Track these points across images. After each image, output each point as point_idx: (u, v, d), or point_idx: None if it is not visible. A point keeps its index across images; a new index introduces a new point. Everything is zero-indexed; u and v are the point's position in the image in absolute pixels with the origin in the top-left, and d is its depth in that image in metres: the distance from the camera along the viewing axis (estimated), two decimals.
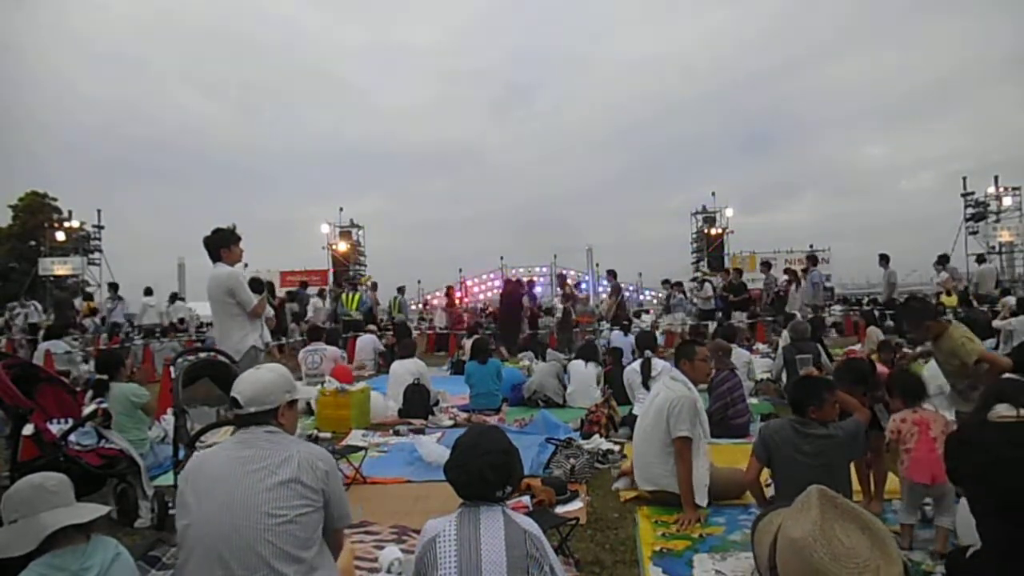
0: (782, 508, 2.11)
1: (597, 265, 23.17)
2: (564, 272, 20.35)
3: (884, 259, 13.17)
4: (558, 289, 16.62)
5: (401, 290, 15.37)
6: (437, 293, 17.46)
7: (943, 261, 13.54)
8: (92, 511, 1.97)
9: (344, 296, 13.79)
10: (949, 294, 12.41)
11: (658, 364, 6.18)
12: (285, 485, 1.93)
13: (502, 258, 23.75)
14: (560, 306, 14.15)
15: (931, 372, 5.37)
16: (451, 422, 6.76)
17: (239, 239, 5.01)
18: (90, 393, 4.86)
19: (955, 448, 2.42)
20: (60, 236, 23.73)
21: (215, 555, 1.87)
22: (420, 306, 20.85)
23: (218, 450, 2.14)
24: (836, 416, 3.23)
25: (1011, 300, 11.14)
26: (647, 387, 5.72)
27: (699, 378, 4.22)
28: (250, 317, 4.89)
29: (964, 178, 23.37)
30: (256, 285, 4.92)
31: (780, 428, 3.22)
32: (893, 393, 3.54)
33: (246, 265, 5.30)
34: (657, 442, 3.87)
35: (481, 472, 1.99)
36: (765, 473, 3.27)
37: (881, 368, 5.03)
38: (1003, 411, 2.41)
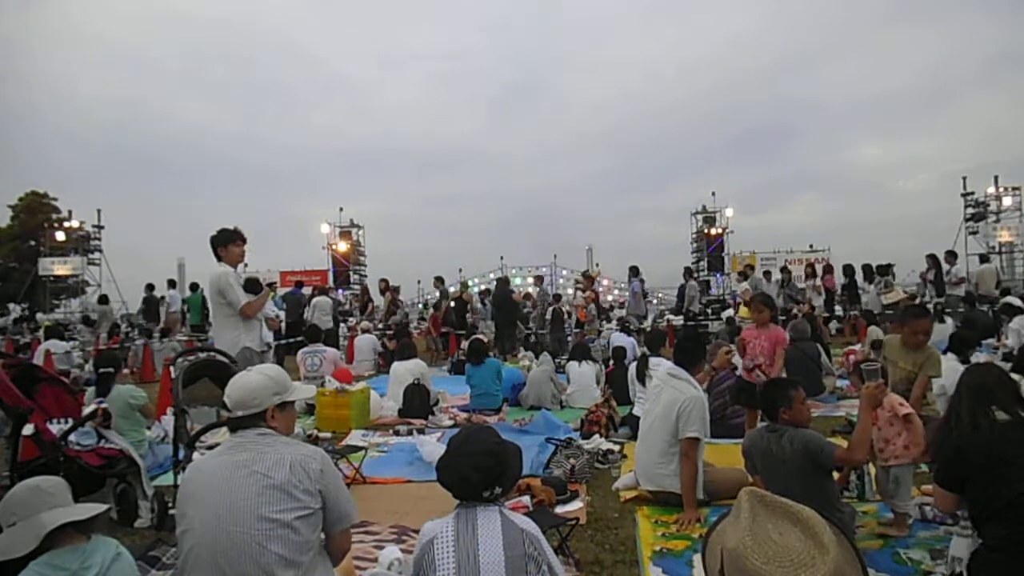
0: (728, 516, 2.08)
1: (597, 265, 23.20)
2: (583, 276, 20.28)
3: (687, 272, 13.91)
4: (577, 290, 16.63)
5: (396, 290, 15.34)
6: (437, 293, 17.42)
7: (745, 274, 14.00)
8: (91, 509, 1.97)
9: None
10: (747, 305, 12.76)
11: (663, 363, 6.17)
12: (279, 489, 1.91)
13: (502, 258, 23.74)
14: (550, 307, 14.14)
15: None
16: (451, 422, 6.77)
17: (241, 239, 5.00)
18: (91, 390, 4.86)
19: (968, 455, 2.38)
20: (60, 236, 23.71)
21: (210, 561, 1.86)
22: (421, 306, 20.85)
23: (213, 454, 2.14)
24: (808, 416, 3.23)
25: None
26: (643, 383, 5.70)
27: (701, 379, 4.23)
28: (243, 317, 4.89)
29: (964, 178, 23.37)
30: (254, 286, 4.91)
31: (757, 437, 3.23)
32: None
33: (246, 265, 5.30)
34: (661, 442, 3.87)
35: (464, 473, 1.98)
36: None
37: None
38: (1002, 417, 2.40)
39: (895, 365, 4.08)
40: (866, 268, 13.61)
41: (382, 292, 15.06)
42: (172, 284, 16.03)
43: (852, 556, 1.91)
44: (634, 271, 14.65)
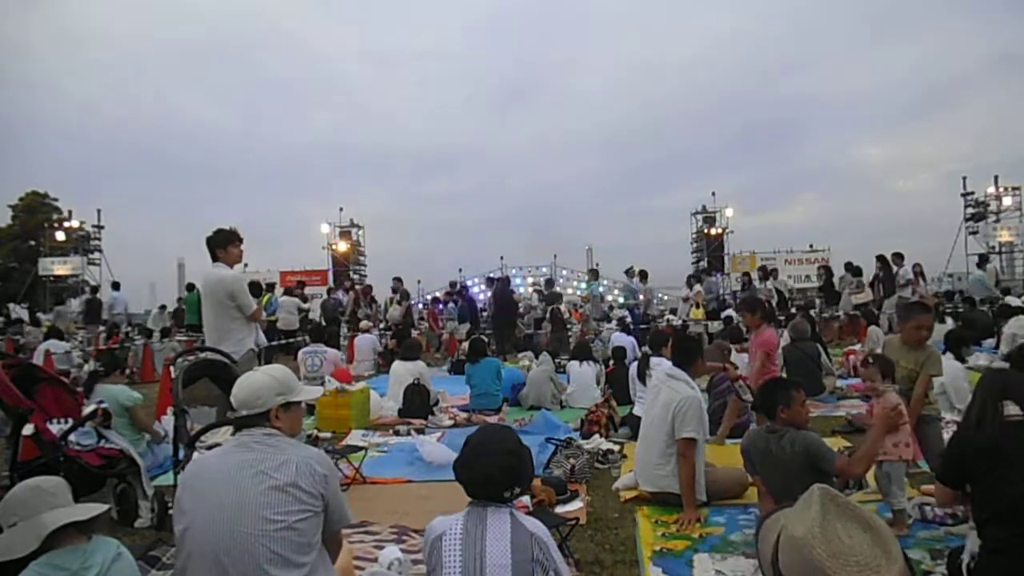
0: (787, 508, 2.09)
1: (597, 265, 23.20)
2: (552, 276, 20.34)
3: (643, 275, 14.00)
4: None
5: (367, 288, 15.37)
6: (437, 293, 17.45)
7: (699, 277, 14.61)
8: (92, 509, 1.97)
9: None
10: (698, 307, 13.44)
11: (664, 363, 6.17)
12: (283, 490, 1.91)
13: (502, 258, 23.71)
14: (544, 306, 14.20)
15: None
16: (451, 422, 6.77)
17: (239, 240, 5.00)
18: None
19: (968, 453, 2.38)
20: (60, 236, 23.70)
21: (212, 560, 1.85)
22: (421, 306, 20.88)
23: (216, 452, 2.13)
24: (807, 417, 3.23)
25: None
26: (644, 382, 5.72)
27: (698, 375, 4.28)
28: (250, 321, 4.90)
29: (964, 178, 23.40)
30: (254, 289, 4.92)
31: (756, 438, 3.22)
32: (883, 369, 3.61)
33: (246, 266, 5.32)
34: (659, 443, 3.87)
35: (487, 472, 1.98)
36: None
37: None
38: (1013, 411, 2.38)
39: (896, 365, 4.09)
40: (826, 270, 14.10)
41: (347, 291, 15.21)
42: (116, 286, 16.45)
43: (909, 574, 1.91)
44: (593, 274, 14.78)
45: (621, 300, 15.45)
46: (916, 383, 3.97)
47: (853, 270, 13.13)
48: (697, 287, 14.04)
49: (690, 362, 4.14)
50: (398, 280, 15.03)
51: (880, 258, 12.83)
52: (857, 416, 4.22)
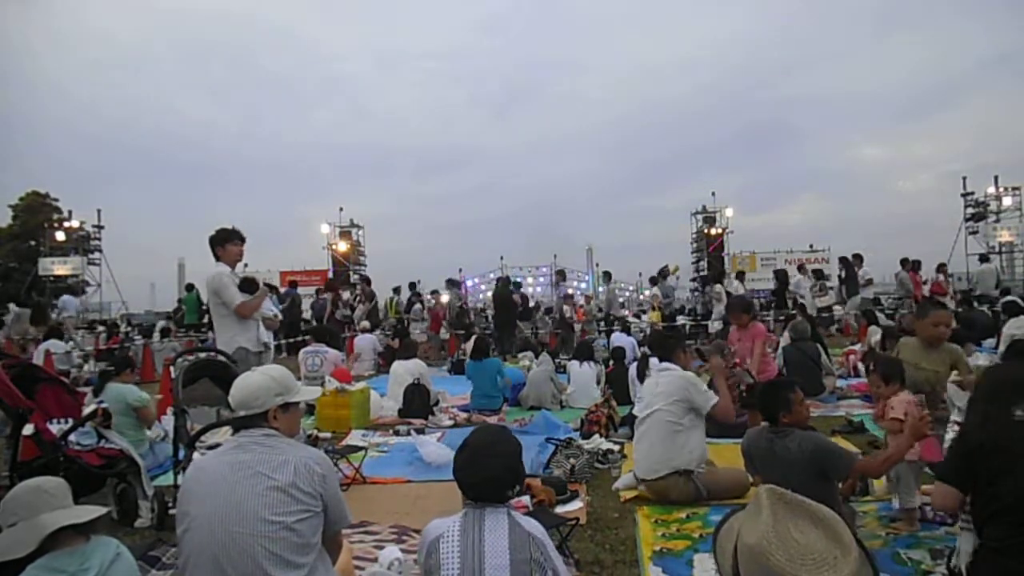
0: (739, 513, 2.08)
1: (597, 265, 23.19)
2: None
3: (607, 276, 14.21)
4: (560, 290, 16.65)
5: (397, 290, 15.33)
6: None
7: (659, 278, 14.68)
8: (91, 511, 1.96)
9: None
10: (655, 309, 13.78)
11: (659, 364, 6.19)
12: (281, 490, 1.91)
13: (502, 258, 23.68)
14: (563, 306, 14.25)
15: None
16: (451, 422, 6.78)
17: (239, 238, 5.00)
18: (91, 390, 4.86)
19: (973, 450, 2.37)
20: (60, 236, 23.67)
21: (211, 561, 1.85)
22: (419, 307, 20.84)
23: (215, 454, 2.13)
24: (808, 414, 3.23)
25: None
26: (643, 383, 5.74)
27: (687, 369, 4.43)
28: (239, 317, 4.89)
29: (964, 178, 23.34)
30: (249, 285, 4.92)
31: (757, 438, 3.19)
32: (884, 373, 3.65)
33: (246, 265, 5.30)
34: (665, 426, 3.96)
35: (496, 473, 1.99)
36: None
37: None
38: (1020, 413, 2.36)
39: (916, 367, 3.96)
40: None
41: (328, 290, 15.29)
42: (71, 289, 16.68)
43: (865, 559, 1.91)
44: (561, 275, 14.94)
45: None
46: (961, 385, 3.84)
47: (816, 273, 13.53)
48: (654, 289, 14.13)
49: (670, 352, 4.35)
50: (365, 280, 15.07)
51: (843, 260, 13.33)
52: (876, 409, 4.19)
